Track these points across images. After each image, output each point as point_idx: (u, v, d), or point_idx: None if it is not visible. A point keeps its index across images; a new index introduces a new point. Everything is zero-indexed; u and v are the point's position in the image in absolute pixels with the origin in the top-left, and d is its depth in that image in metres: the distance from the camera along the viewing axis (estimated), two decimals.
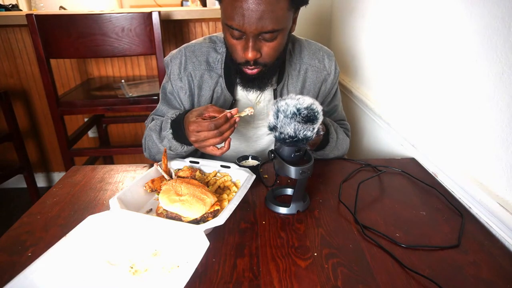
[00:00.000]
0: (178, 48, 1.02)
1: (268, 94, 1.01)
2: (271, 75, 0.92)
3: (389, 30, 1.27)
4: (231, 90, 0.99)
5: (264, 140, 1.10)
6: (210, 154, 0.82)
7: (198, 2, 2.97)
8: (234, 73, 0.92)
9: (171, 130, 0.88)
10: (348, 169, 0.98)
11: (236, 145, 1.09)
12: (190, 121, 0.80)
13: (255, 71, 0.86)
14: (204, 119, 0.79)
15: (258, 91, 0.97)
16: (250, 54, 0.80)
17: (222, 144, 0.82)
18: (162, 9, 2.01)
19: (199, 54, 0.99)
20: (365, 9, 1.51)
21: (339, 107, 1.15)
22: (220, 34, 1.02)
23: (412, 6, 1.10)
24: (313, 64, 1.02)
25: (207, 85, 0.99)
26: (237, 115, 0.80)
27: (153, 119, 1.06)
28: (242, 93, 1.01)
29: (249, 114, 0.81)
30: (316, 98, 1.06)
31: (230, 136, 0.81)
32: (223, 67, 0.98)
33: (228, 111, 0.79)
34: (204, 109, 0.82)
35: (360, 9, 1.57)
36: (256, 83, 0.90)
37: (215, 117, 0.79)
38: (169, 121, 0.89)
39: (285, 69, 0.99)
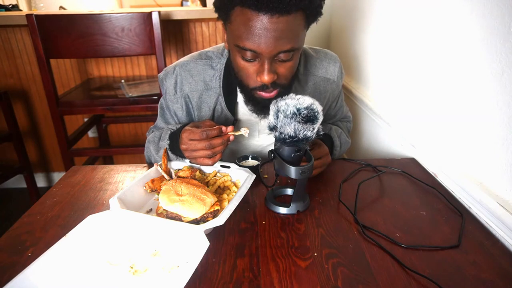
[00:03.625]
0: (172, 65, 0.97)
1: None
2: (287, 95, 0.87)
3: (389, 30, 1.27)
4: (231, 109, 0.96)
5: (269, 148, 1.09)
6: (200, 165, 0.80)
7: (198, 2, 2.98)
8: (247, 100, 0.87)
9: (168, 141, 0.88)
10: (348, 169, 0.98)
11: (242, 152, 1.09)
12: (184, 129, 0.80)
13: (272, 93, 0.81)
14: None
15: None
16: (266, 77, 0.75)
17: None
18: (162, 9, 2.01)
19: (195, 73, 0.94)
20: (365, 9, 1.51)
21: (343, 106, 1.15)
22: (215, 48, 0.98)
23: (412, 6, 1.10)
24: (320, 74, 1.00)
25: (206, 105, 0.96)
26: (231, 133, 0.79)
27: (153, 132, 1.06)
28: (243, 112, 0.97)
29: (244, 134, 0.80)
30: (323, 107, 1.05)
31: (221, 152, 0.79)
32: (221, 84, 0.94)
33: (223, 126, 0.79)
34: (201, 122, 0.82)
35: (360, 9, 1.57)
36: None
37: None
38: (169, 132, 0.89)
39: None
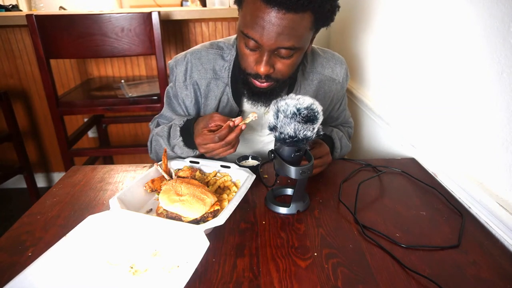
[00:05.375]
0: (183, 53, 0.98)
1: None
2: (280, 90, 0.88)
3: (389, 31, 1.27)
4: (238, 100, 0.96)
5: (270, 146, 1.09)
6: (220, 157, 0.83)
7: (198, 2, 2.98)
8: (241, 83, 0.89)
9: (181, 138, 0.88)
10: (348, 169, 0.98)
11: (242, 150, 1.09)
12: (196, 134, 0.81)
13: (264, 84, 0.83)
14: (210, 130, 0.80)
15: (264, 106, 0.93)
16: (262, 69, 0.77)
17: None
18: (162, 9, 2.01)
19: (205, 61, 0.95)
20: (365, 9, 1.51)
21: (346, 109, 1.16)
22: (226, 40, 0.99)
23: (412, 6, 1.10)
24: (326, 73, 1.00)
25: (213, 94, 0.97)
26: (242, 123, 0.80)
27: (158, 123, 1.05)
28: (248, 103, 0.98)
29: (253, 119, 0.81)
30: (326, 107, 1.06)
31: (238, 141, 0.82)
32: (230, 75, 0.95)
33: (231, 120, 0.80)
34: (209, 118, 0.82)
35: (360, 8, 1.57)
36: (263, 97, 0.86)
37: (221, 126, 0.79)
38: (178, 129, 0.89)
39: (297, 78, 0.96)
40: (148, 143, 1.04)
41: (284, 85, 0.87)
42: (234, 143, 0.80)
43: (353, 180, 0.93)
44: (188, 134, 0.86)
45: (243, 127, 0.80)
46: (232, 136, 0.78)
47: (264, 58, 0.77)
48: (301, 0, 0.68)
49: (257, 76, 0.81)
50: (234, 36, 0.98)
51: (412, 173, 0.95)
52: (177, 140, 0.88)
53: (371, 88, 1.49)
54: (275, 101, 0.71)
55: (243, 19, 0.76)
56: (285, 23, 0.71)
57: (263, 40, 0.73)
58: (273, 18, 0.70)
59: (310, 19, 0.73)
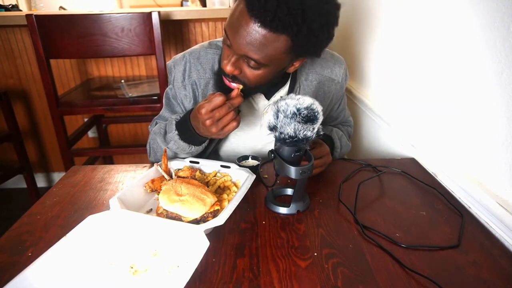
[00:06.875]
0: (181, 53, 0.98)
1: None
2: (250, 95, 0.87)
3: (389, 31, 1.27)
4: None
5: (269, 146, 1.09)
6: (229, 132, 0.81)
7: (198, 2, 2.98)
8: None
9: (176, 131, 0.87)
10: (348, 169, 0.98)
11: (241, 151, 1.09)
12: (198, 107, 0.79)
13: (231, 84, 0.82)
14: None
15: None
16: (228, 68, 0.77)
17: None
18: (162, 9, 2.01)
19: (204, 61, 0.95)
20: (365, 9, 1.51)
21: (345, 109, 1.16)
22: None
23: (412, 6, 1.10)
24: (325, 74, 1.00)
25: None
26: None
27: (156, 124, 1.05)
28: (247, 104, 0.98)
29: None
30: (326, 107, 1.05)
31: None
32: None
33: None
34: (206, 99, 0.80)
35: (360, 8, 1.57)
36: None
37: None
38: (174, 122, 0.89)
39: (297, 78, 0.97)
40: (147, 146, 1.03)
41: (253, 92, 0.86)
42: (237, 104, 0.79)
43: (353, 180, 0.93)
44: (184, 126, 0.85)
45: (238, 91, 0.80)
46: (238, 98, 0.78)
47: (232, 58, 0.77)
48: (275, 21, 0.67)
49: (225, 73, 0.81)
50: None
51: (412, 173, 0.95)
52: (173, 133, 0.88)
53: (371, 88, 1.49)
54: (275, 101, 0.71)
55: (229, 15, 0.77)
56: (257, 36, 0.70)
57: (233, 42, 0.74)
58: (248, 26, 0.70)
59: (285, 43, 0.72)
